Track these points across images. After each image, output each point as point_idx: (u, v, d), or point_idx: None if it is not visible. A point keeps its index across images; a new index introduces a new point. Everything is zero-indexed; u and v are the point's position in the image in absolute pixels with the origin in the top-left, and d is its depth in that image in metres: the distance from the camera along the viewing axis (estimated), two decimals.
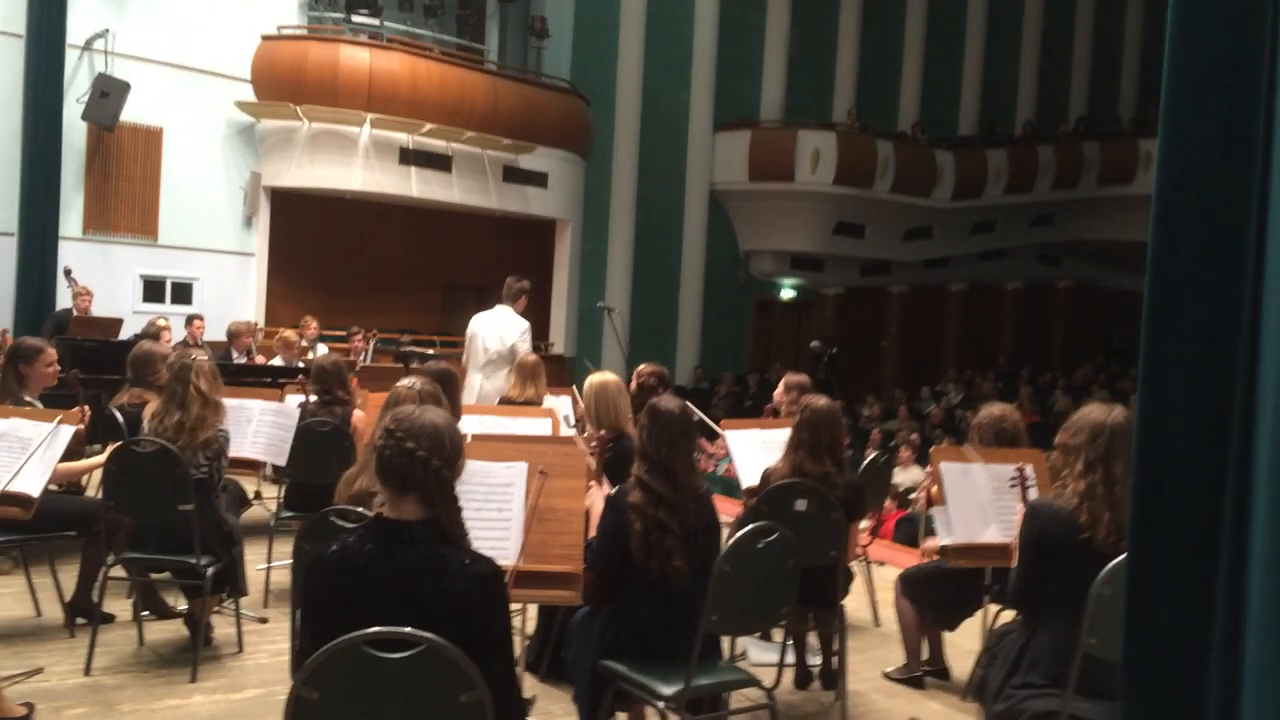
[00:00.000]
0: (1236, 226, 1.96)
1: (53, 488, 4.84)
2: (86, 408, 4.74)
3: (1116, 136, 20.32)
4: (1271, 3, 1.88)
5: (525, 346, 7.45)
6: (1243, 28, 1.95)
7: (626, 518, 3.26)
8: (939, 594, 4.55)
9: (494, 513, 3.03)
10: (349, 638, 1.98)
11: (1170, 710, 2.08)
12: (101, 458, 4.49)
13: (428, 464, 2.17)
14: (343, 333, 11.84)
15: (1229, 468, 1.94)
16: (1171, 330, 2.05)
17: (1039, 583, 3.19)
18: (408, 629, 2.00)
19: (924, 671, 4.78)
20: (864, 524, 5.75)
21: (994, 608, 4.45)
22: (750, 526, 3.31)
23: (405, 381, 3.49)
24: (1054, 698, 3.07)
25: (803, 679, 4.66)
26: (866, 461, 6.03)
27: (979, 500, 4.07)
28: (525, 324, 7.63)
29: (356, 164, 13.03)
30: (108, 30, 11.60)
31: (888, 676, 4.80)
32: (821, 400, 4.38)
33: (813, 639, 4.75)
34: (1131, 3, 22.45)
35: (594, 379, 4.54)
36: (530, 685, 4.25)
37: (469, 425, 4.59)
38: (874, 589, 5.78)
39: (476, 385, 7.43)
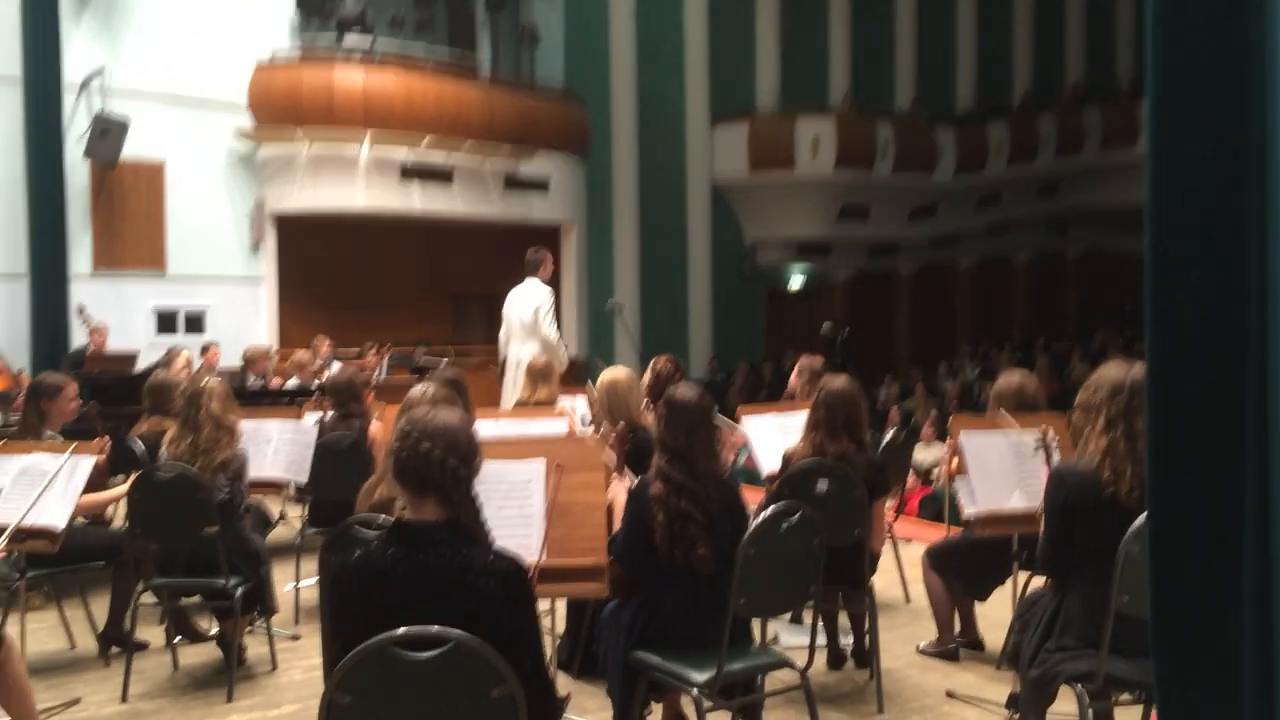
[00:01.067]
0: (1236, 177, 1.93)
1: (80, 520, 4.89)
2: (107, 437, 4.79)
3: (1116, 100, 20.19)
4: None
5: (546, 318, 7.71)
6: None
7: (649, 509, 3.26)
8: (967, 565, 4.54)
9: (515, 511, 3.04)
10: (377, 639, 1.99)
11: (1203, 663, 2.06)
12: (124, 488, 4.52)
13: (444, 463, 2.18)
14: (356, 350, 11.88)
15: (1247, 415, 1.92)
16: (1177, 283, 2.03)
17: (1068, 546, 3.18)
18: (434, 627, 2.00)
19: (957, 644, 4.77)
20: (889, 503, 5.74)
21: (1023, 575, 4.43)
22: (773, 508, 3.32)
23: (418, 387, 3.51)
24: (1089, 659, 3.06)
25: (835, 659, 4.66)
26: (886, 439, 6.02)
27: (1001, 468, 4.06)
28: (546, 290, 7.85)
29: (358, 183, 13.08)
30: (103, 68, 11.66)
31: (921, 652, 4.79)
32: (839, 379, 4.38)
33: (844, 619, 4.75)
34: None
35: (604, 375, 4.56)
36: (564, 683, 4.25)
37: (484, 429, 4.60)
38: (902, 566, 5.76)
39: (514, 358, 7.69)
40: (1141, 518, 2.90)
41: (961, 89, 20.58)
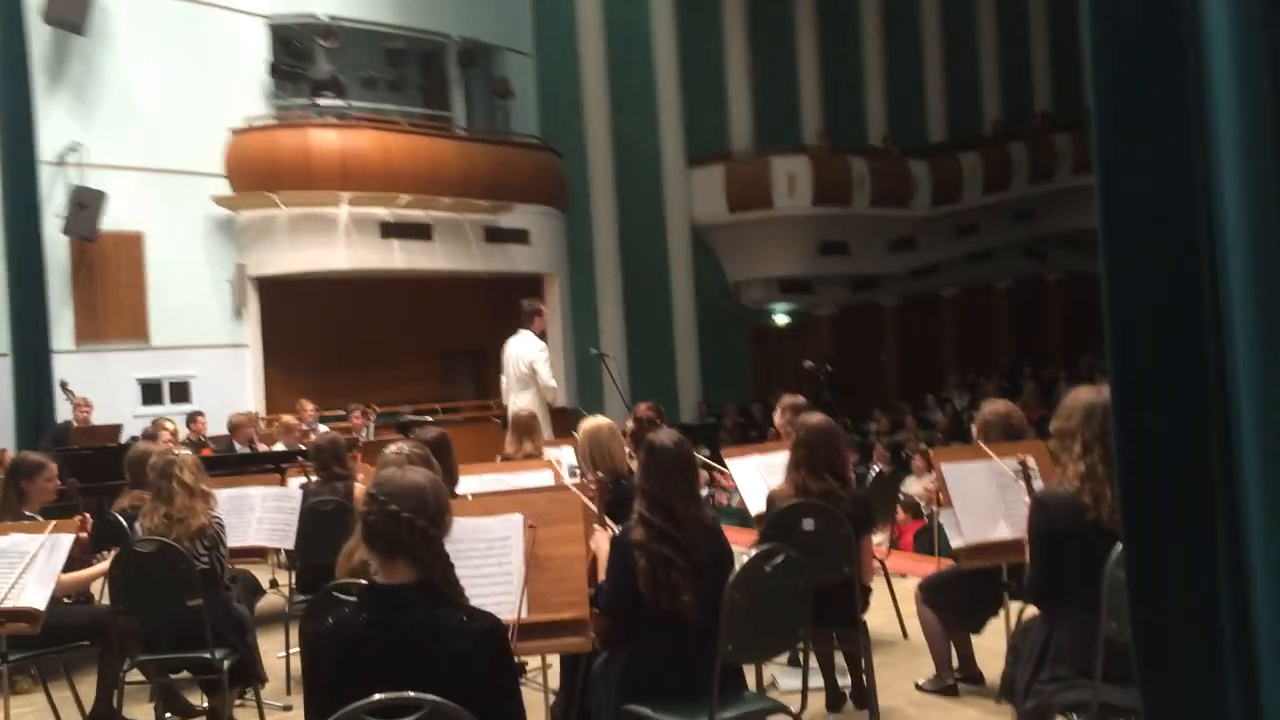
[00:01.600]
0: (1183, 193, 1.95)
1: (66, 600, 4.83)
2: (88, 515, 4.74)
3: (1084, 125, 20.42)
4: None
5: (543, 368, 8.09)
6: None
7: (631, 556, 3.23)
8: (959, 598, 4.51)
9: (494, 568, 3.01)
10: (351, 708, 1.95)
11: (1189, 685, 2.04)
12: (104, 565, 4.47)
13: (413, 524, 2.16)
14: (342, 413, 11.83)
15: (1210, 432, 1.92)
16: (1134, 304, 2.04)
17: (1056, 574, 3.17)
18: (408, 692, 1.97)
19: (956, 679, 4.72)
20: (878, 539, 5.72)
21: (1016, 605, 4.40)
22: (756, 551, 3.29)
23: (393, 447, 3.49)
24: (1082, 688, 3.03)
25: (834, 701, 4.60)
26: (874, 475, 6.00)
27: (985, 497, 4.05)
28: (541, 345, 8.23)
29: (339, 243, 13.11)
30: (78, 143, 11.72)
31: (920, 688, 4.74)
32: (816, 417, 4.38)
33: (841, 659, 4.70)
34: None
35: (586, 424, 4.55)
36: None
37: (469, 485, 4.58)
38: (898, 601, 5.72)
39: (512, 409, 7.90)
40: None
41: (932, 121, 20.82)
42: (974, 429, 4.80)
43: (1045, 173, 20.07)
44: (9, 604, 4.03)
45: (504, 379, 8.41)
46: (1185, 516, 2.01)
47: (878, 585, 4.93)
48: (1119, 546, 2.91)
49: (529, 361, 8.11)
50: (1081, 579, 3.07)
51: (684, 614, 3.19)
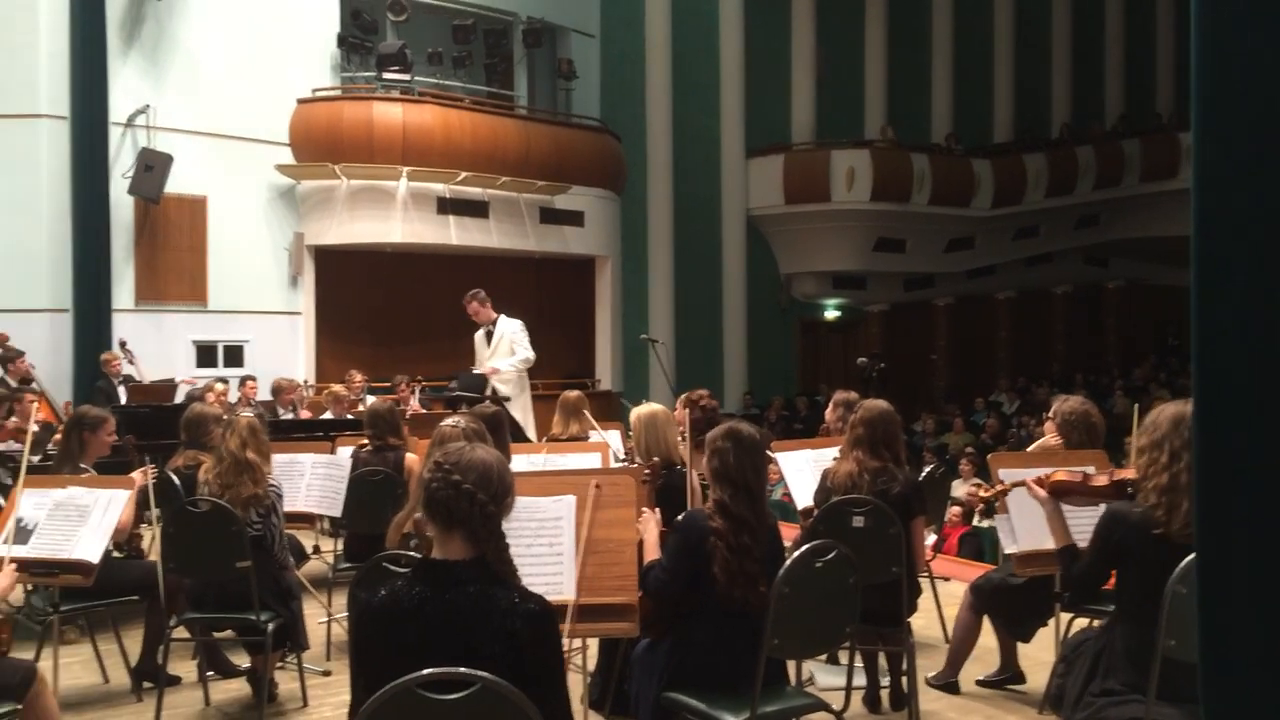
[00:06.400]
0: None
1: (117, 554, 4.91)
2: (153, 466, 4.81)
3: (1155, 132, 20.03)
4: None
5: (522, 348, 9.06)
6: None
7: (708, 545, 3.20)
8: (1011, 605, 4.45)
9: (545, 548, 3.00)
10: (402, 681, 1.95)
11: (1256, 711, 1.98)
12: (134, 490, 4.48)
13: (474, 498, 2.15)
14: (389, 384, 11.92)
15: None
16: (1223, 315, 1.97)
17: (1101, 578, 3.14)
18: (461, 669, 1.96)
19: (998, 680, 4.69)
20: (927, 540, 5.66)
21: (1066, 616, 4.33)
22: (807, 546, 3.25)
23: (450, 420, 3.49)
24: (1136, 704, 2.96)
25: (873, 701, 4.55)
26: (924, 474, 5.92)
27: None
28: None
29: (396, 217, 13.21)
30: (148, 106, 11.90)
31: (929, 682, 4.72)
32: (878, 401, 4.38)
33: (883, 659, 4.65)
34: None
35: (641, 410, 4.50)
36: None
37: (519, 464, 4.58)
38: (940, 604, 5.65)
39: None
40: (1189, 558, 2.81)
41: (999, 121, 20.50)
42: (1047, 425, 4.70)
43: (1112, 179, 19.66)
44: (64, 555, 4.10)
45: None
46: (1263, 534, 1.94)
47: (922, 588, 4.88)
48: (1182, 563, 2.84)
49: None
50: (1141, 594, 3.00)
51: (755, 604, 3.15)
